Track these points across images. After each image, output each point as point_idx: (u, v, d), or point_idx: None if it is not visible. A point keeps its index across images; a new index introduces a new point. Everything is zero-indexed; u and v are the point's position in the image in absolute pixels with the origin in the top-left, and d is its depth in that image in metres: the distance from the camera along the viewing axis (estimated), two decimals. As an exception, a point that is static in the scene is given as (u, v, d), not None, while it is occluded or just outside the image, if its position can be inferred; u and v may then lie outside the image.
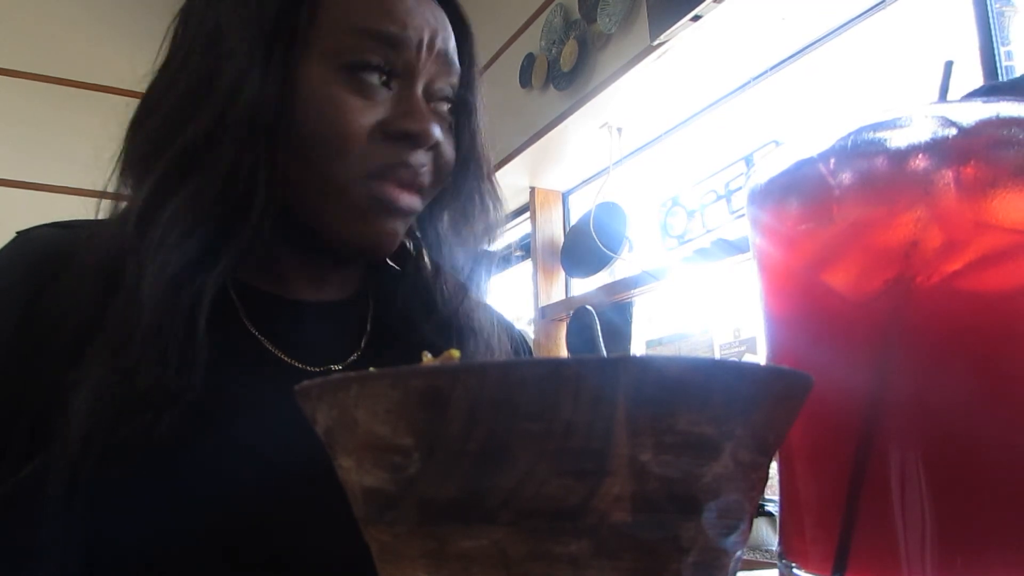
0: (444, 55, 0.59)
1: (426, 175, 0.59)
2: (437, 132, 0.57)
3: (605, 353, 2.11)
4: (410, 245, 0.69)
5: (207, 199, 0.53)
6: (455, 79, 0.61)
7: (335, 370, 0.62)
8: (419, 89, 0.58)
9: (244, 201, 0.54)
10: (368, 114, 0.55)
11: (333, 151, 0.55)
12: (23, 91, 2.89)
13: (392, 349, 0.64)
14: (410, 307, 0.66)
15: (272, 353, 0.60)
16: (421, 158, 0.57)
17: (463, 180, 0.65)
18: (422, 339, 0.63)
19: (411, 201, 0.58)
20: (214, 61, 0.55)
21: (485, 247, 0.68)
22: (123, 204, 0.58)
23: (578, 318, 2.30)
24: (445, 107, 0.61)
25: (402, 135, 0.56)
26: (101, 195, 0.58)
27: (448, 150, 0.61)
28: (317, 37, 0.55)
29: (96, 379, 0.49)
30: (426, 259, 0.68)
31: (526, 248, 2.81)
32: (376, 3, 0.56)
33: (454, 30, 0.62)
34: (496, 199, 0.68)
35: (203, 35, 0.57)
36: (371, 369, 0.25)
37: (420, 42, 0.57)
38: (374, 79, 0.56)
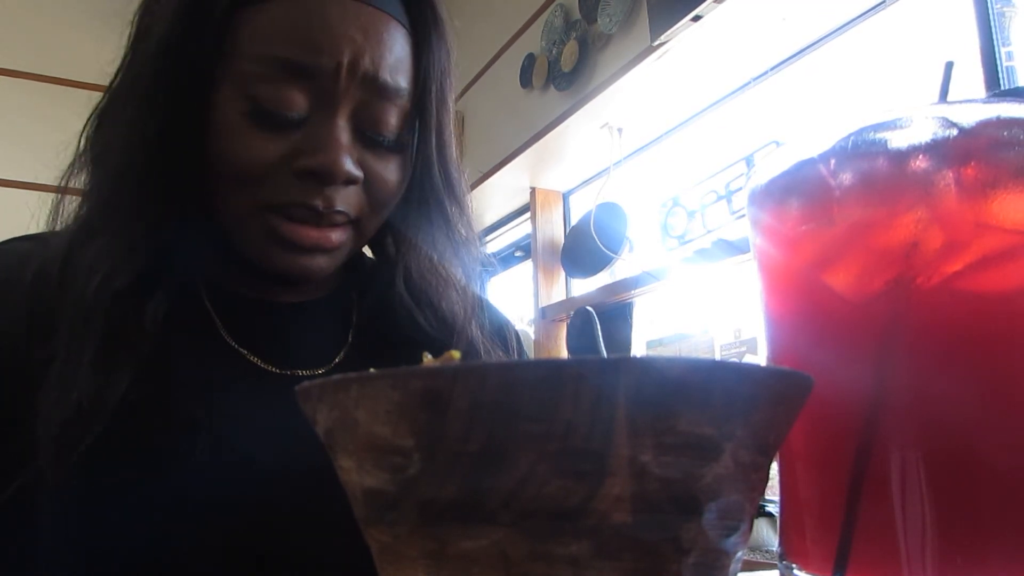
0: (373, 78, 0.53)
1: (348, 207, 0.55)
2: (349, 166, 0.53)
3: (605, 354, 2.11)
4: (391, 243, 0.67)
5: (142, 208, 0.54)
6: (398, 101, 0.55)
7: (319, 374, 0.61)
8: (341, 119, 0.53)
9: (176, 215, 0.54)
10: (271, 148, 0.52)
11: (231, 181, 0.53)
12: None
13: (377, 348, 0.63)
14: (395, 304, 0.64)
15: (252, 363, 0.59)
16: (333, 195, 0.53)
17: (427, 192, 0.61)
18: (406, 335, 0.62)
19: (321, 237, 0.55)
20: (133, 79, 0.56)
21: (467, 246, 0.65)
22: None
23: (578, 319, 2.30)
24: (388, 132, 0.56)
25: (305, 173, 0.52)
26: (61, 191, 0.58)
27: (386, 176, 0.56)
28: (232, 59, 0.52)
29: (57, 390, 0.49)
30: (405, 252, 0.65)
31: (526, 248, 2.81)
32: (288, 27, 0.51)
33: (413, 36, 0.57)
34: (465, 207, 0.65)
35: (137, 46, 0.57)
36: (371, 370, 0.25)
37: (338, 67, 0.51)
38: (283, 115, 0.52)
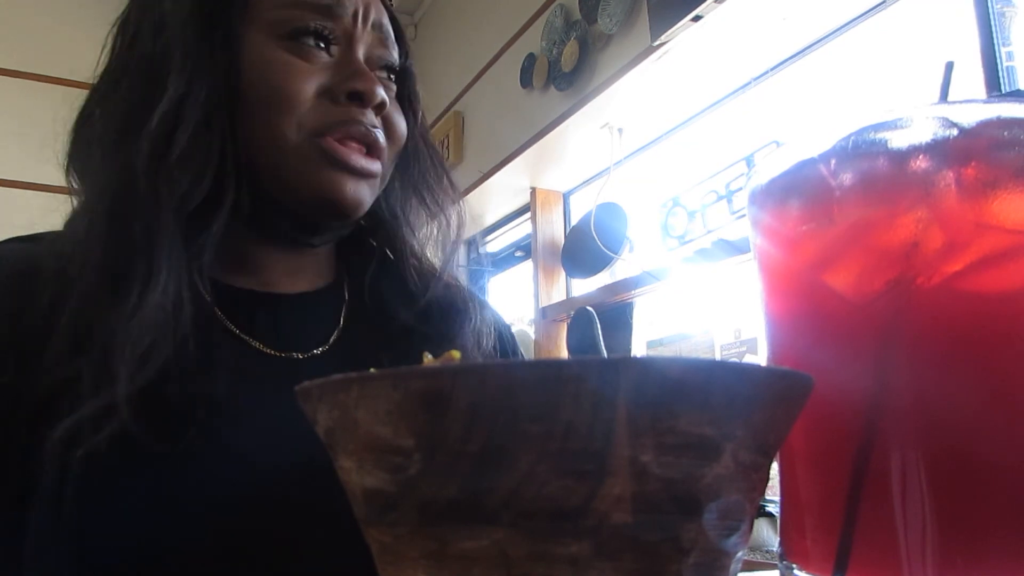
0: (380, 27, 0.62)
1: (379, 137, 0.60)
2: (382, 92, 0.59)
3: (606, 354, 2.11)
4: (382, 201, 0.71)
5: (179, 191, 0.54)
6: (394, 54, 0.64)
7: (316, 354, 0.63)
8: (360, 55, 0.60)
9: (216, 185, 0.56)
10: (311, 77, 0.57)
11: (280, 111, 0.57)
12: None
13: (368, 333, 0.65)
14: (384, 292, 0.67)
15: (251, 345, 0.60)
16: (370, 118, 0.59)
17: (409, 164, 0.67)
18: (397, 323, 0.65)
19: (365, 162, 0.59)
20: (161, 50, 0.57)
21: (449, 233, 0.70)
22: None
23: (579, 319, 2.30)
24: (388, 77, 0.63)
25: (348, 94, 0.58)
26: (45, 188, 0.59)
27: (398, 117, 0.63)
28: (256, 13, 0.58)
29: (81, 387, 0.49)
30: (396, 243, 0.69)
31: (527, 248, 2.81)
32: None
33: (390, 21, 0.65)
34: (443, 179, 0.70)
35: (149, 25, 0.59)
36: (372, 370, 0.25)
37: (356, 12, 0.60)
38: (314, 45, 0.58)
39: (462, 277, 0.74)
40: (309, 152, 0.57)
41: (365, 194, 0.60)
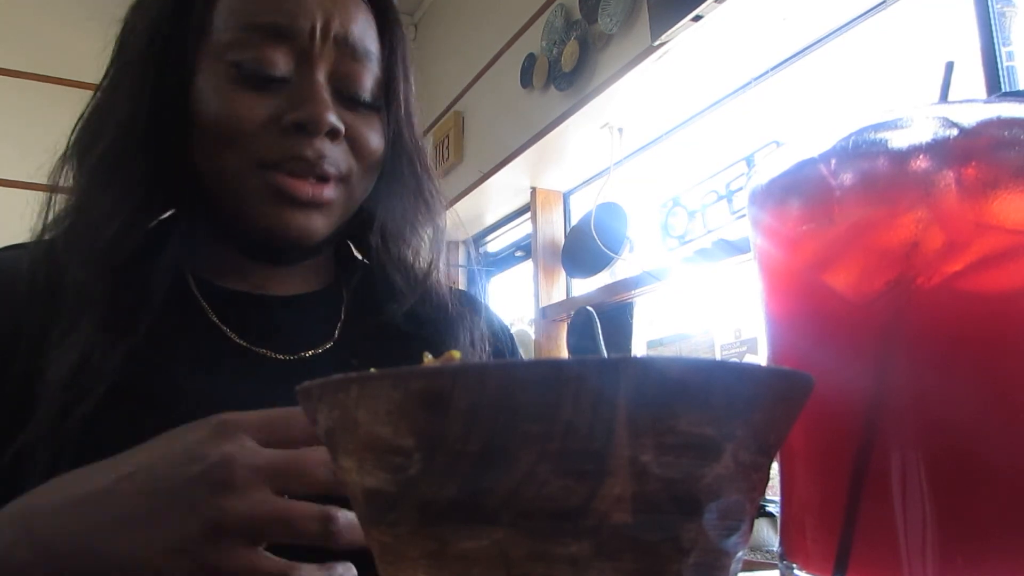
0: (344, 40, 0.58)
1: (336, 164, 0.58)
2: (332, 119, 0.56)
3: (606, 354, 2.11)
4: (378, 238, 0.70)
5: (134, 196, 0.56)
6: (369, 64, 0.60)
7: (308, 356, 0.63)
8: (320, 76, 0.57)
9: (168, 196, 0.57)
10: (259, 107, 0.55)
11: (224, 143, 0.56)
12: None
13: (367, 337, 0.65)
14: (378, 295, 0.67)
15: (241, 345, 0.61)
16: (319, 148, 0.57)
17: (395, 168, 0.65)
18: (390, 327, 0.65)
19: (315, 193, 0.57)
20: (120, 68, 0.59)
21: (438, 236, 0.70)
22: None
23: (579, 319, 2.30)
24: (364, 92, 0.60)
25: (293, 126, 0.56)
26: (52, 189, 0.60)
27: (367, 132, 0.60)
28: (211, 34, 0.56)
29: (58, 359, 0.51)
30: (387, 247, 0.68)
31: (527, 248, 2.81)
32: None
33: (373, 11, 0.61)
34: (430, 186, 0.68)
35: (121, 39, 0.60)
36: (372, 370, 0.25)
37: (313, 29, 0.56)
38: (266, 73, 0.56)
39: (460, 279, 0.74)
40: (255, 184, 0.56)
41: (317, 224, 0.59)
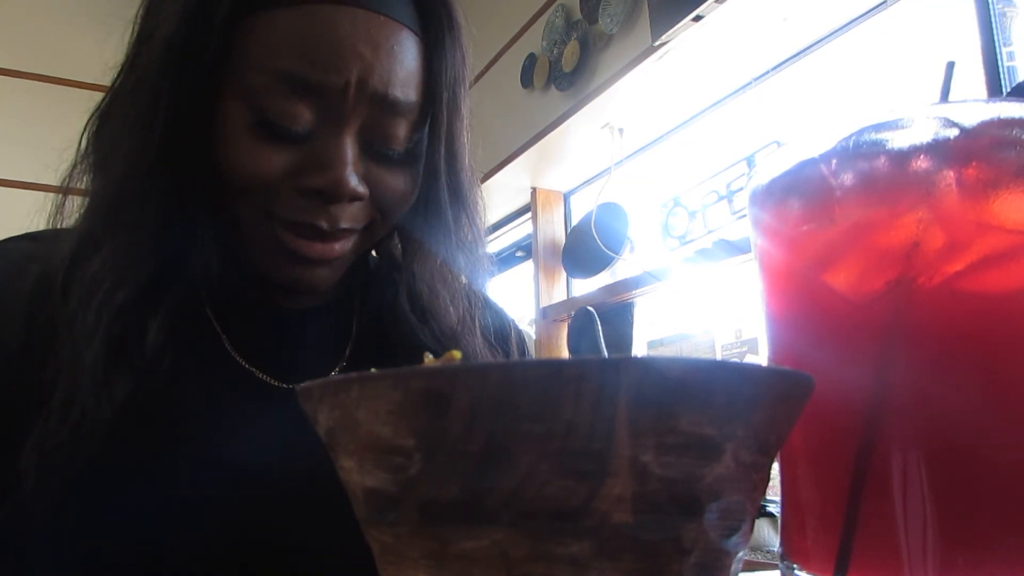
0: (383, 96, 0.51)
1: (354, 220, 0.54)
2: (354, 184, 0.52)
3: (606, 354, 2.11)
4: (397, 246, 0.67)
5: (145, 217, 0.53)
6: (408, 115, 0.54)
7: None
8: (348, 136, 0.52)
9: (180, 222, 0.53)
10: (276, 161, 0.51)
11: (236, 190, 0.52)
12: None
13: (379, 354, 0.62)
14: (393, 313, 0.63)
15: (255, 377, 0.59)
16: (338, 213, 0.53)
17: (431, 201, 0.59)
18: (408, 341, 0.62)
19: (325, 250, 0.54)
20: (136, 82, 0.54)
21: (472, 253, 0.64)
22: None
23: (579, 319, 2.30)
24: (397, 145, 0.54)
25: (310, 191, 0.51)
26: (64, 191, 0.58)
27: (392, 190, 0.55)
28: (236, 68, 0.50)
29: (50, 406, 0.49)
30: (410, 261, 0.64)
31: (527, 249, 2.81)
32: (295, 40, 0.49)
33: (425, 43, 0.54)
34: (475, 217, 0.64)
35: (140, 48, 0.55)
36: (372, 370, 0.25)
37: (347, 85, 0.50)
38: (289, 129, 0.50)
39: (479, 290, 0.69)
40: (262, 233, 0.53)
41: (323, 276, 0.56)
